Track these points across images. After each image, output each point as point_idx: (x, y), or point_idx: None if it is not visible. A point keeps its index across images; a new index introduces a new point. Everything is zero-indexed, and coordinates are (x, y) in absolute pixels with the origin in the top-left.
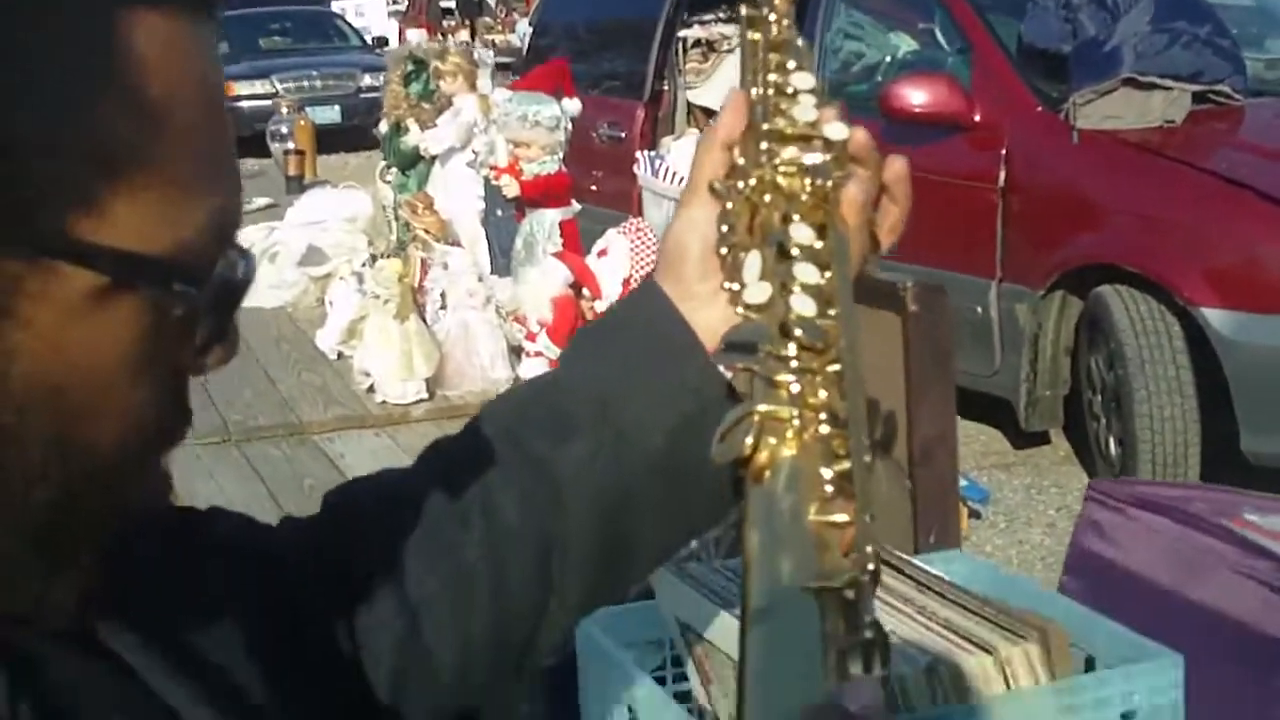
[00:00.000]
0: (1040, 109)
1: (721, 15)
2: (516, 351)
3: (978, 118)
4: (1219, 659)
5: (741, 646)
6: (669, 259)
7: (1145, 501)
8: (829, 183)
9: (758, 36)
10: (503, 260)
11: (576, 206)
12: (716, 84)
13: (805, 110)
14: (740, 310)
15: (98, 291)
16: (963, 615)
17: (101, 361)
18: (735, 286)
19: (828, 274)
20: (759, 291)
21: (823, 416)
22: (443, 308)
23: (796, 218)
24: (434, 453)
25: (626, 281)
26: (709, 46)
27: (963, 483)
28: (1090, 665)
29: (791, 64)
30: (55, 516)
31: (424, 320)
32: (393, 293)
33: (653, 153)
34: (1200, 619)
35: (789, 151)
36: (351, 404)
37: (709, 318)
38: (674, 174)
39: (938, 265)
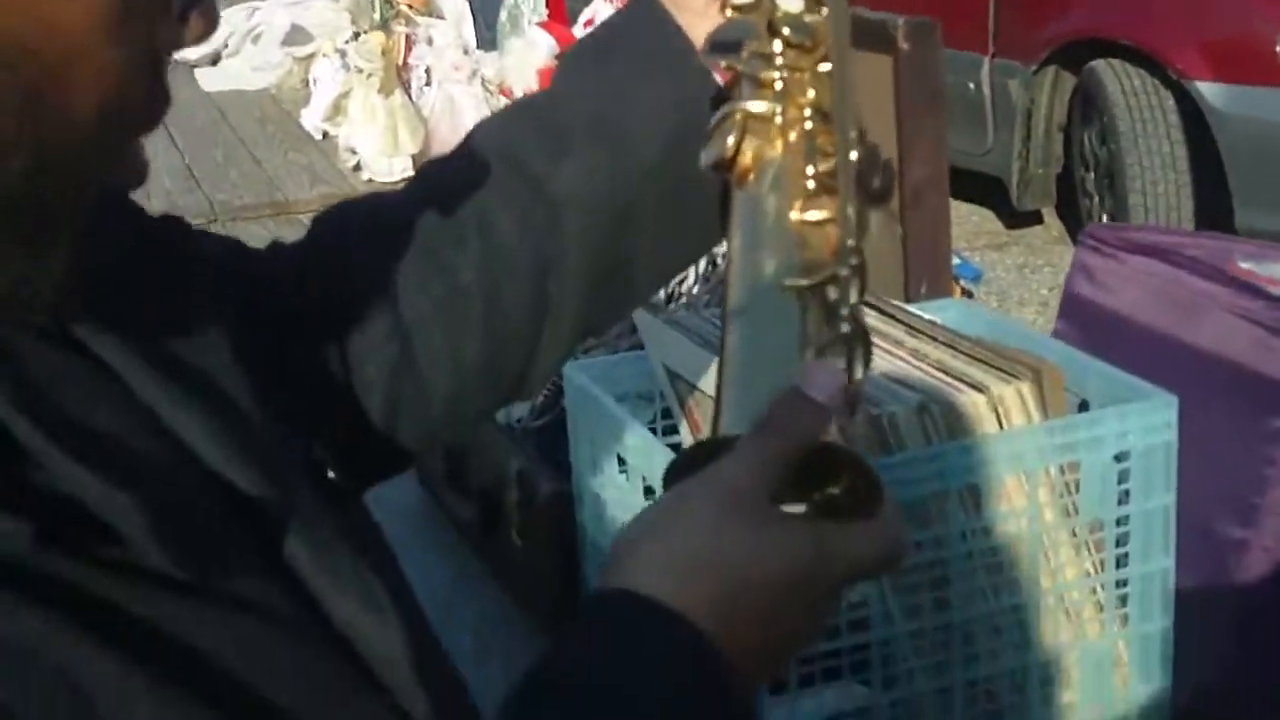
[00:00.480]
0: None
1: None
2: None
3: None
4: (1213, 401)
5: (721, 347)
6: None
7: (1138, 246)
8: None
9: None
10: (488, 33)
11: None
12: None
13: None
14: (729, 11)
15: None
16: (955, 356)
17: (74, 21)
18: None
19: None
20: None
21: (808, 113)
22: (428, 83)
23: None
24: (426, 174)
25: None
26: None
27: (955, 261)
28: (1084, 410)
29: None
30: (31, 188)
31: (409, 96)
32: (376, 66)
33: None
34: (1194, 361)
35: None
36: (337, 182)
37: (707, 30)
38: None
39: None
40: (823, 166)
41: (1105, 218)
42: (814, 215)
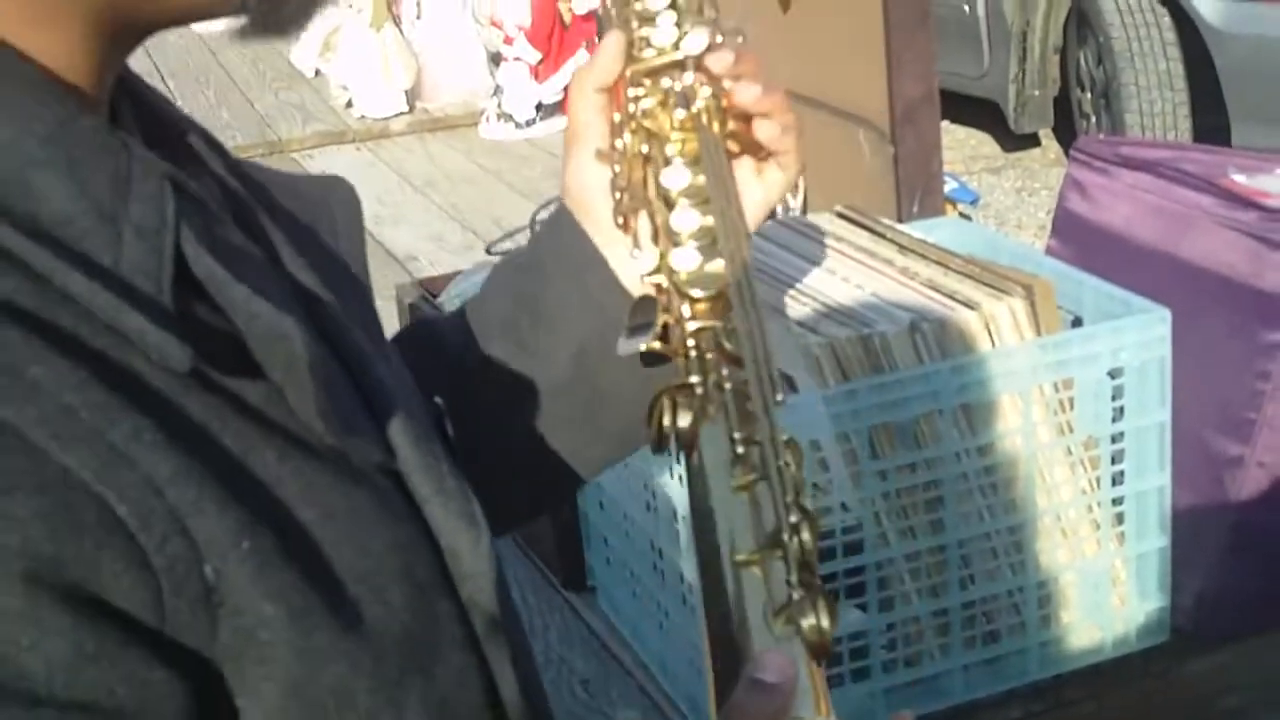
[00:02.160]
0: None
1: None
2: (495, 59)
3: None
4: (1206, 314)
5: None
6: (578, 209)
7: (1129, 160)
8: (695, 107)
9: None
10: None
11: None
12: None
13: (664, 32)
14: (643, 280)
15: None
16: (946, 274)
17: None
18: (637, 252)
19: (707, 212)
20: (646, 260)
21: (725, 372)
22: (418, 16)
23: (673, 156)
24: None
25: None
26: None
27: (953, 185)
28: (1078, 326)
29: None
30: None
31: (400, 31)
32: (366, 1)
33: None
34: (1187, 275)
35: (651, 89)
36: (330, 120)
37: (627, 262)
38: None
39: None
40: (746, 429)
41: (1102, 137)
42: (747, 478)
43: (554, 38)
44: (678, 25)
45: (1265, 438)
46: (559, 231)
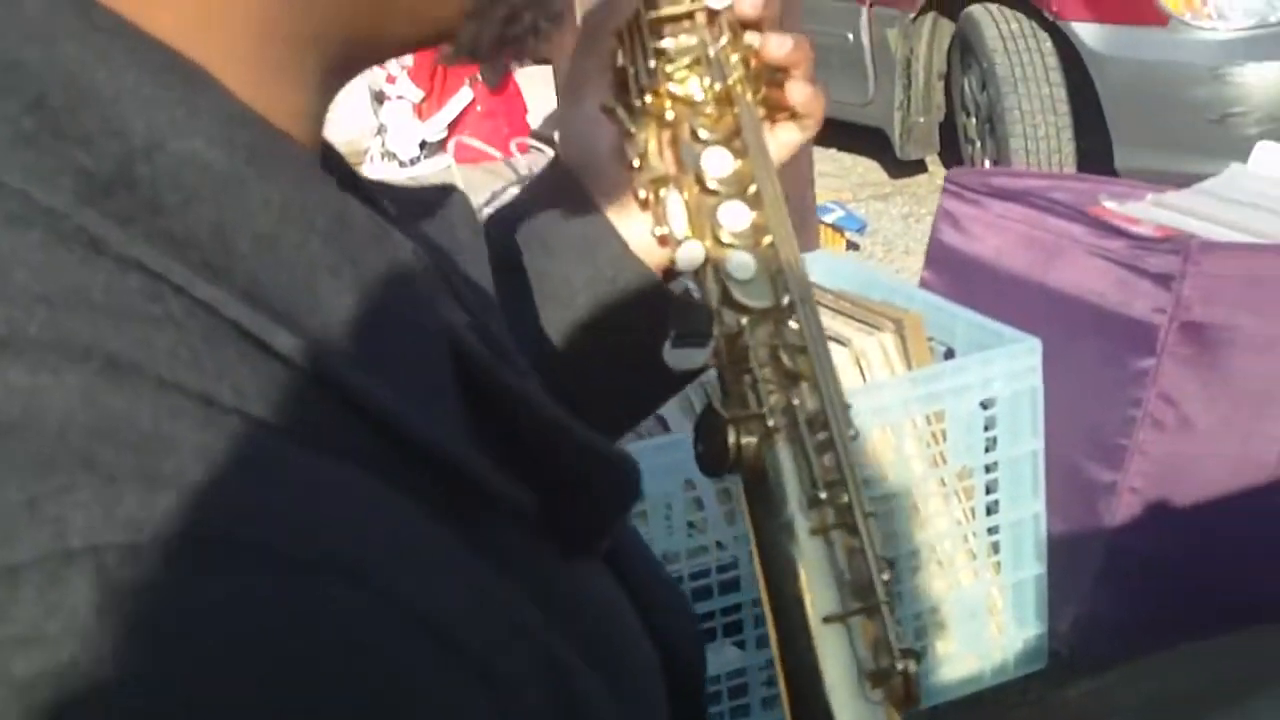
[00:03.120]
0: None
1: None
2: (378, 98)
3: None
4: (1077, 342)
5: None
6: (580, 168)
7: (1000, 190)
8: (731, 79)
9: None
10: None
11: None
12: None
13: None
14: (677, 270)
15: None
16: None
17: None
18: (663, 230)
19: (755, 205)
20: (692, 253)
21: (797, 402)
22: None
23: (705, 134)
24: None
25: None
26: None
27: (840, 213)
28: (951, 358)
29: None
30: None
31: None
32: None
33: None
34: (1058, 304)
35: (676, 47)
36: None
37: (635, 225)
38: None
39: None
40: (820, 464)
41: (988, 163)
42: (826, 521)
43: (436, 76)
44: None
45: (1137, 464)
46: (562, 198)
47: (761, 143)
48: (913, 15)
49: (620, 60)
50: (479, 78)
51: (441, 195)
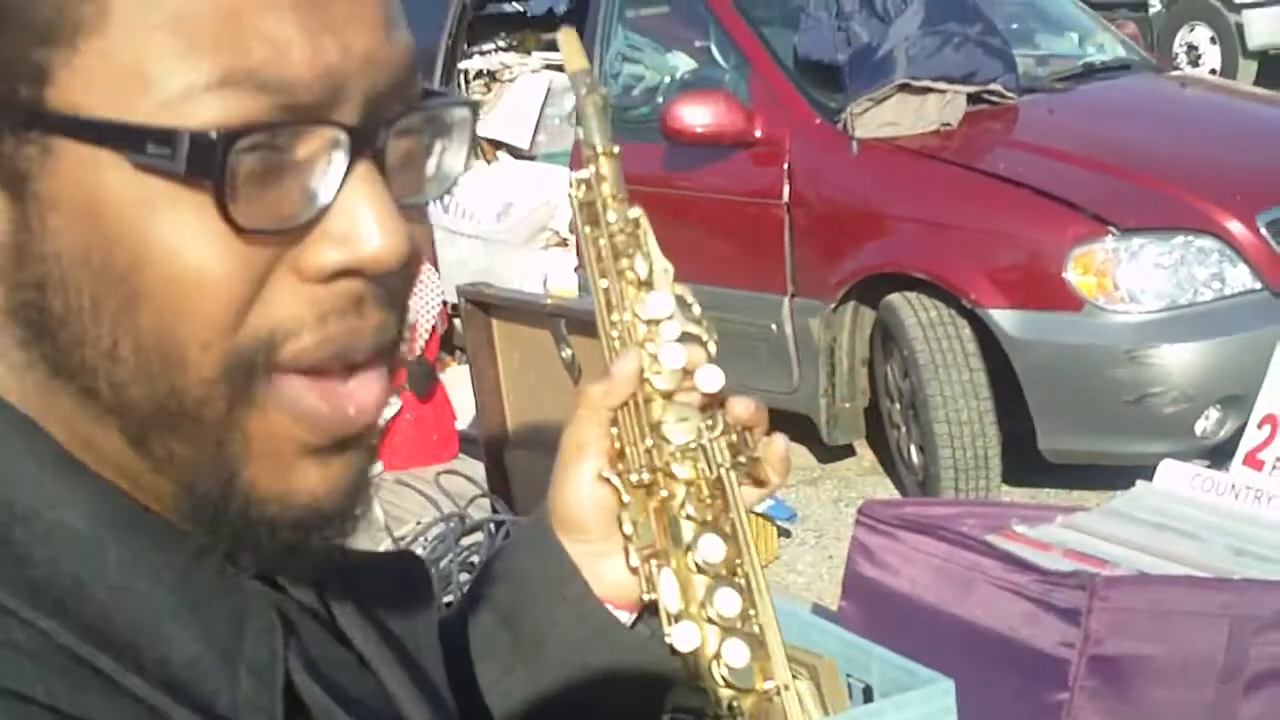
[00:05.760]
0: (819, 121)
1: (501, 44)
2: None
3: (758, 133)
4: (991, 676)
5: None
6: (567, 523)
7: (911, 523)
8: (723, 469)
9: (601, 241)
10: None
11: None
12: (501, 114)
13: (672, 355)
14: (668, 641)
15: (97, 162)
16: None
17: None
18: (654, 597)
19: (743, 592)
20: (687, 636)
21: None
22: None
23: (695, 517)
24: None
25: (412, 328)
26: (491, 76)
27: (770, 503)
28: (869, 696)
29: (640, 269)
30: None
31: None
32: None
33: None
34: (971, 636)
35: (673, 431)
36: None
37: (615, 566)
38: (465, 209)
39: (729, 284)
40: None
41: (913, 447)
42: None
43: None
44: (680, 338)
45: None
46: (536, 547)
47: (747, 529)
48: (834, 304)
49: (619, 438)
50: (407, 386)
51: (398, 563)
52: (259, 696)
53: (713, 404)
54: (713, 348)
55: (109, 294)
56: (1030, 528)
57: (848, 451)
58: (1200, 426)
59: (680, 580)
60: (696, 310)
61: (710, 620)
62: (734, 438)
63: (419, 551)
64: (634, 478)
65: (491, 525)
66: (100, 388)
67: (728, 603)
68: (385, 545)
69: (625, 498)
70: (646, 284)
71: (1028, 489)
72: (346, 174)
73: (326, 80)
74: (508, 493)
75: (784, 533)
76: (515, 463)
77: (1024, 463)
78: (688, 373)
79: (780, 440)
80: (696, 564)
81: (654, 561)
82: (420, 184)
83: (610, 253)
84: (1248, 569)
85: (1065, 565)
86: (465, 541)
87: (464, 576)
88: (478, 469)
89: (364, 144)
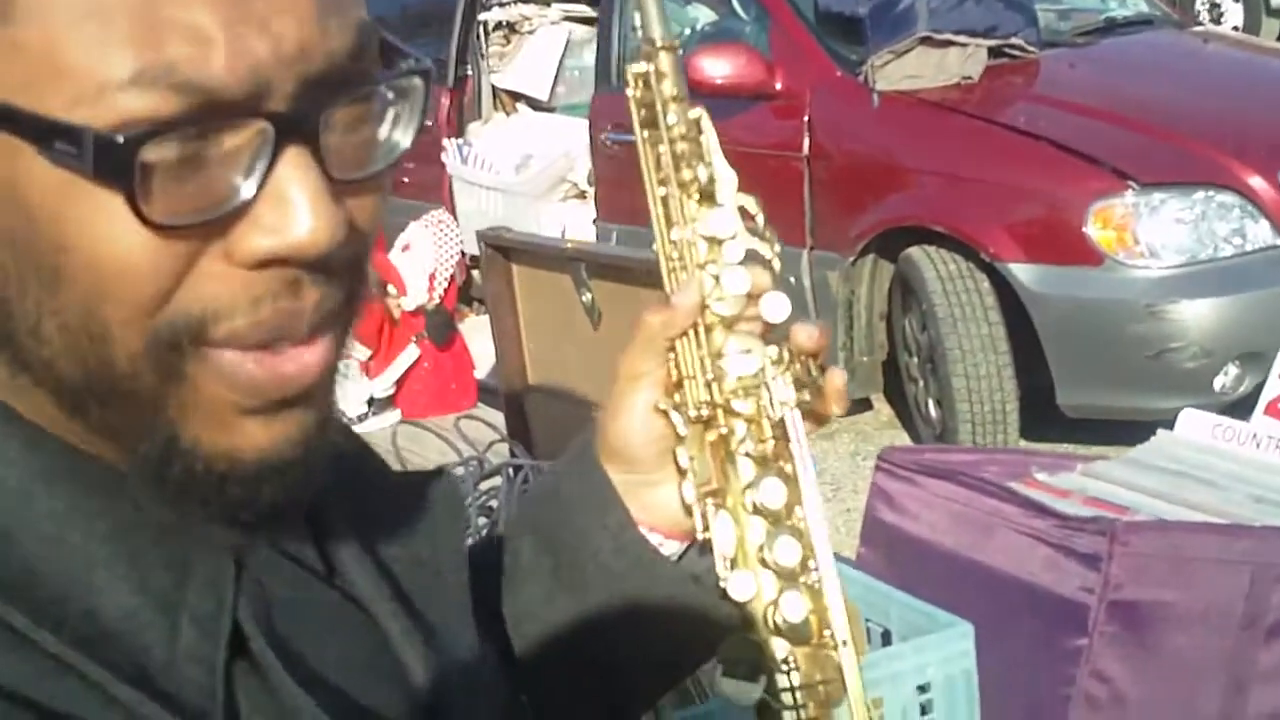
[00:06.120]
0: (840, 73)
1: None
2: None
3: (779, 86)
4: (1011, 621)
5: None
6: (618, 453)
7: (932, 468)
8: (787, 409)
9: (661, 147)
10: None
11: None
12: (520, 66)
13: (735, 279)
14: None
15: (15, 149)
16: None
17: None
18: (708, 536)
19: (802, 539)
20: (743, 585)
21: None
22: None
23: (754, 456)
24: None
25: (432, 276)
26: (511, 28)
27: None
28: (887, 639)
29: (702, 176)
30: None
31: None
32: None
33: (460, 140)
34: (990, 582)
35: (736, 363)
36: None
37: (665, 496)
38: (484, 160)
39: None
40: None
41: (931, 401)
42: None
43: (383, 334)
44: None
45: None
46: (582, 477)
47: (811, 477)
48: (852, 258)
49: (677, 368)
50: (425, 335)
51: (428, 482)
52: (201, 647)
53: (775, 331)
54: (777, 264)
55: (32, 275)
56: (1050, 475)
57: (865, 405)
58: (1219, 382)
59: (736, 522)
60: (761, 220)
61: (767, 567)
62: (798, 369)
63: None
64: (692, 411)
65: (510, 470)
66: (31, 361)
67: (787, 551)
68: None
69: (682, 431)
70: (708, 196)
71: (1045, 444)
72: (274, 162)
73: (250, 76)
74: (527, 438)
75: None
76: (534, 407)
77: (1042, 417)
78: (751, 297)
79: (839, 374)
80: (754, 504)
81: (710, 500)
82: (372, 155)
83: (670, 161)
84: (1269, 517)
85: (1085, 511)
86: (484, 486)
87: (482, 520)
88: (497, 417)
89: (293, 131)
